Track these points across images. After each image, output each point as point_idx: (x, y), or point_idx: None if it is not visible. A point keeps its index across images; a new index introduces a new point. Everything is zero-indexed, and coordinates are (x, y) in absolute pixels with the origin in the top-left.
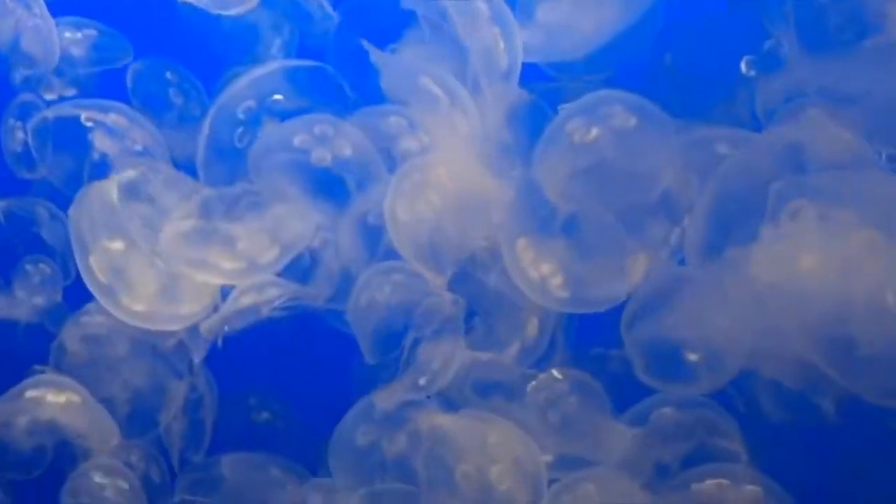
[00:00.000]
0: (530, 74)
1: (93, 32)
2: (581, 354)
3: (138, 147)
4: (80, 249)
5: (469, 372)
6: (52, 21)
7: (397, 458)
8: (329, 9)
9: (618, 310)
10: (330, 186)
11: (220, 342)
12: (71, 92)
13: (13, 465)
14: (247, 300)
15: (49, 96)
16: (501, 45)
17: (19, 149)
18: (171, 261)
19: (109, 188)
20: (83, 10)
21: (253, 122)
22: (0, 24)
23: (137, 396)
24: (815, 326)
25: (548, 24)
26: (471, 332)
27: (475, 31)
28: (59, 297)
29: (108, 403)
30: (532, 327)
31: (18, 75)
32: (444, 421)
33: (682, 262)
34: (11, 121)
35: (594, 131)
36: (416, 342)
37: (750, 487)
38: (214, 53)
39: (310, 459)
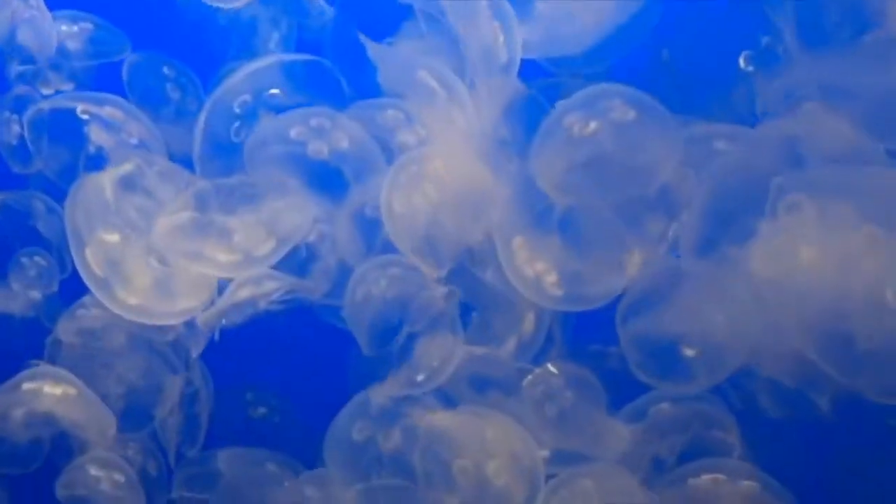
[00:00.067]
0: (528, 70)
1: (89, 26)
2: (579, 351)
3: (134, 140)
4: (76, 242)
5: (466, 367)
6: (48, 14)
7: (393, 453)
8: (325, 4)
9: (616, 307)
10: (327, 179)
11: (217, 336)
12: (67, 86)
13: (10, 459)
14: (244, 293)
15: (46, 91)
16: (501, 38)
17: (15, 142)
18: (166, 253)
19: (105, 180)
20: (79, 3)
21: (249, 116)
22: None
23: (133, 391)
24: (814, 322)
25: (546, 19)
26: (468, 327)
27: (474, 24)
28: (54, 291)
29: (103, 398)
30: (529, 323)
31: (14, 68)
32: (441, 417)
33: (679, 257)
34: (7, 114)
35: (593, 125)
36: (413, 336)
37: (746, 483)
38: (212, 48)
39: (307, 455)
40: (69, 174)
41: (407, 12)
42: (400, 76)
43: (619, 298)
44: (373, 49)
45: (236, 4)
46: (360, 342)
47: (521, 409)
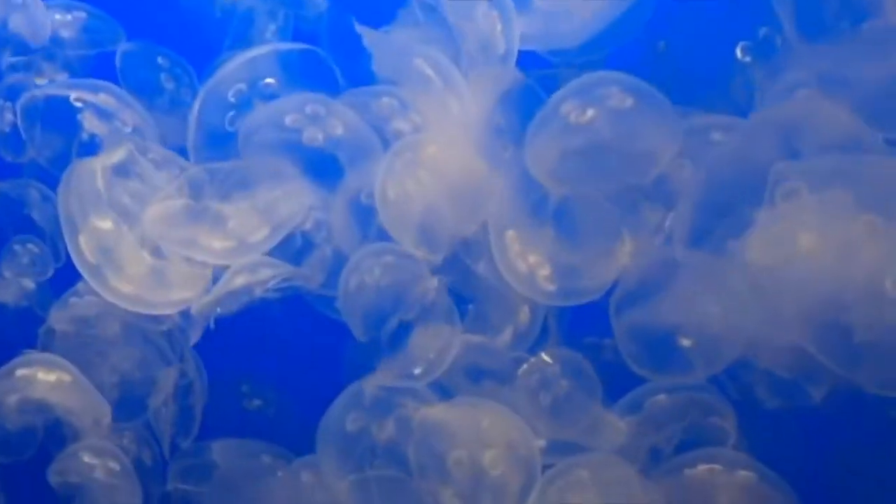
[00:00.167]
0: (526, 60)
1: (83, 15)
2: (574, 344)
3: (128, 128)
4: (70, 229)
5: (461, 356)
6: (41, 2)
7: (387, 444)
8: None
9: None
10: (322, 166)
11: (212, 323)
12: (61, 76)
13: (3, 447)
14: (240, 280)
15: (39, 81)
16: (499, 27)
17: (7, 129)
18: (160, 241)
19: (97, 165)
20: None
21: (244, 105)
22: None
23: (126, 381)
24: (812, 312)
25: (544, 10)
26: (464, 318)
27: (472, 13)
28: (47, 279)
29: (96, 387)
30: (524, 314)
31: (6, 58)
32: (436, 411)
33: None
34: (0, 101)
35: (590, 112)
36: (408, 325)
37: (742, 473)
38: (207, 39)
39: (302, 447)
40: (62, 162)
41: (403, 1)
42: (395, 64)
43: (614, 289)
44: (368, 36)
45: None
46: (354, 331)
47: (516, 398)
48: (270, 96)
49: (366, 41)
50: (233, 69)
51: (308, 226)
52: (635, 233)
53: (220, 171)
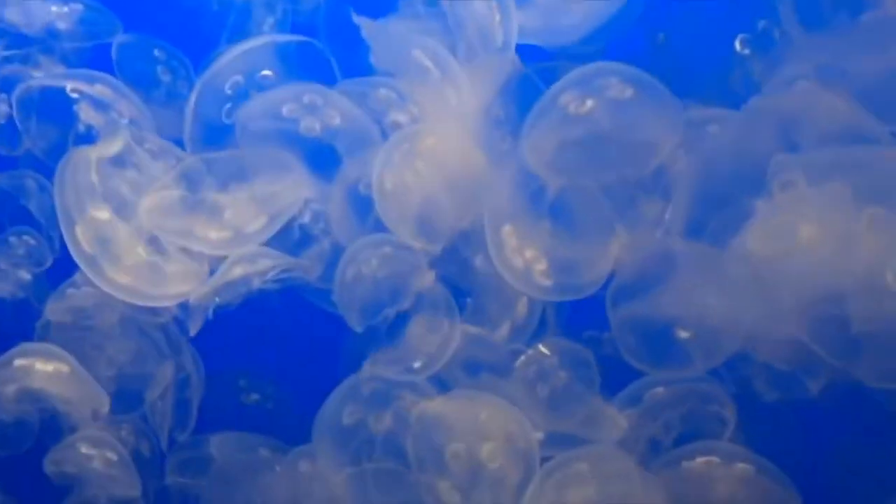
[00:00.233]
0: (525, 52)
1: (79, 7)
2: (574, 338)
3: (124, 119)
4: (66, 219)
5: (459, 349)
6: None
7: (385, 436)
8: None
9: None
10: (320, 156)
11: (211, 314)
12: (57, 68)
13: (1, 439)
14: (238, 271)
15: (35, 72)
16: (497, 18)
17: (3, 121)
18: (156, 231)
19: (94, 155)
20: None
21: (241, 97)
22: None
23: (123, 374)
24: (811, 304)
25: (544, 4)
26: (463, 312)
27: (471, 4)
28: (44, 271)
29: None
30: (522, 307)
31: (2, 48)
32: (434, 404)
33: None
34: None
35: (589, 103)
36: (405, 317)
37: (740, 465)
38: (205, 31)
39: (299, 440)
40: (58, 153)
41: None
42: (394, 55)
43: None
44: (367, 27)
45: None
46: (350, 322)
47: (514, 390)
48: (267, 88)
49: (364, 32)
50: (229, 61)
51: (306, 217)
52: (632, 225)
53: (216, 160)
